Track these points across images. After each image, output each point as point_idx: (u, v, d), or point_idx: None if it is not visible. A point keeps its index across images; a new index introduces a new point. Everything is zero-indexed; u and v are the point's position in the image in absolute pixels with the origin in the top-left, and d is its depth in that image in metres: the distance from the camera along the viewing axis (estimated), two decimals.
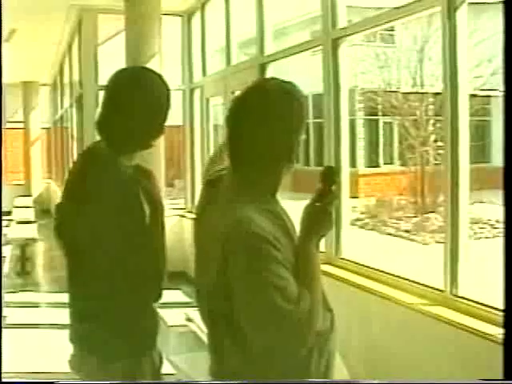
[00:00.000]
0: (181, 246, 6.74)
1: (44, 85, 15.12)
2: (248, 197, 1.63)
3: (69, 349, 2.12)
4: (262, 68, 5.53)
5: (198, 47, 7.66)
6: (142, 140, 2.10)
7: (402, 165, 15.91)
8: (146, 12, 6.40)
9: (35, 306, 6.28)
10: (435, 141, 13.16)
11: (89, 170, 2.04)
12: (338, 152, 4.29)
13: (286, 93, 1.68)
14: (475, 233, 10.61)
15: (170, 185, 12.79)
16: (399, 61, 15.58)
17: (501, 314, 2.56)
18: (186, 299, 6.30)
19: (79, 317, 2.08)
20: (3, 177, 10.52)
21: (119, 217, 1.93)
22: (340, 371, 1.77)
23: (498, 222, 11.08)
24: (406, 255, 9.39)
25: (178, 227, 7.34)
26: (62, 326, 2.17)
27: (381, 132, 18.04)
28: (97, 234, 1.93)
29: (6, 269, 8.08)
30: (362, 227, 12.32)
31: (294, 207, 1.91)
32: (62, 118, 12.70)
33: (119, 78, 2.11)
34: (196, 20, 7.69)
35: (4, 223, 9.29)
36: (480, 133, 16.72)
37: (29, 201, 13.31)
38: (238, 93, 1.78)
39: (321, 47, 4.43)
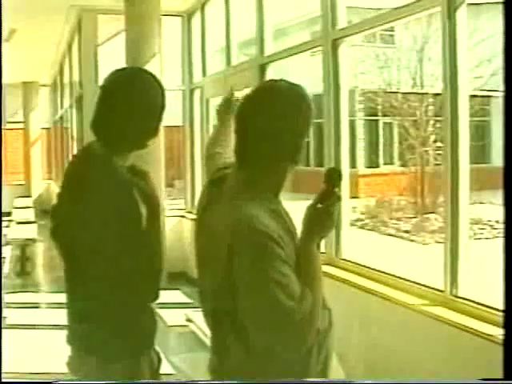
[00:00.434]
0: (181, 245, 6.75)
1: (44, 85, 15.12)
2: (252, 195, 1.64)
3: (68, 349, 2.12)
4: (262, 68, 5.53)
5: (198, 47, 7.65)
6: (137, 140, 2.10)
7: (402, 165, 15.92)
8: (146, 12, 6.41)
9: (35, 306, 6.28)
10: (435, 141, 13.17)
11: (83, 170, 2.05)
12: (337, 152, 4.29)
13: (295, 94, 1.71)
14: (475, 233, 10.62)
15: (169, 185, 12.79)
16: (399, 61, 15.60)
17: (501, 314, 2.56)
18: (186, 299, 6.30)
19: (76, 317, 2.08)
20: (3, 177, 10.52)
21: (113, 217, 1.93)
22: (336, 371, 1.78)
23: (497, 222, 11.08)
24: (406, 256, 9.39)
25: (178, 227, 7.35)
26: (62, 327, 2.16)
27: (381, 132, 18.06)
28: (92, 234, 1.93)
29: (5, 269, 8.08)
30: (362, 228, 12.33)
31: (293, 207, 1.91)
32: (61, 118, 12.70)
33: (115, 78, 2.12)
34: (196, 20, 7.69)
35: (4, 224, 9.29)
36: (480, 133, 16.74)
37: (29, 201, 13.31)
38: (246, 91, 1.79)
39: (321, 48, 4.42)
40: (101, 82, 2.21)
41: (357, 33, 4.34)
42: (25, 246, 8.34)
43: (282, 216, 1.68)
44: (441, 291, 3.28)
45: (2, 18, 3.35)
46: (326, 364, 1.70)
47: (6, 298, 5.95)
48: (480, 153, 16.27)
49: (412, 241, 11.18)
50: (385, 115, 16.68)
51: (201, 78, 7.57)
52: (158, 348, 2.18)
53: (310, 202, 1.71)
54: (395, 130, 17.16)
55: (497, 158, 15.86)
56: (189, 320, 5.51)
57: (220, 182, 1.77)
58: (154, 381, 2.13)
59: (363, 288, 3.76)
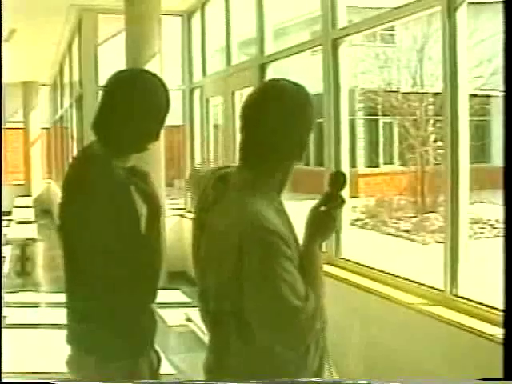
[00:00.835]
0: (181, 245, 6.75)
1: (44, 85, 15.12)
2: (258, 194, 1.65)
3: (68, 349, 2.12)
4: (262, 68, 5.54)
5: (198, 47, 7.66)
6: (138, 143, 2.08)
7: (402, 165, 15.91)
8: (146, 12, 6.41)
9: (35, 306, 6.28)
10: (435, 141, 13.16)
11: (82, 171, 2.04)
12: (337, 152, 4.29)
13: (299, 93, 1.72)
14: (475, 233, 10.61)
15: (169, 185, 12.78)
16: (399, 61, 15.59)
17: (501, 313, 2.56)
18: (186, 299, 6.30)
19: (76, 317, 2.08)
20: (3, 177, 10.52)
21: (113, 217, 1.93)
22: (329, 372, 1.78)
23: (497, 221, 11.08)
24: (406, 255, 9.39)
25: (178, 227, 7.35)
26: (62, 326, 2.16)
27: (381, 132, 18.06)
28: (92, 234, 1.93)
29: (5, 269, 8.08)
30: (362, 227, 12.33)
31: (293, 207, 1.91)
32: (61, 118, 12.70)
33: (118, 79, 2.10)
34: (196, 20, 7.69)
35: (4, 223, 9.29)
36: (480, 133, 16.73)
37: (29, 201, 13.31)
38: (249, 91, 1.79)
39: (321, 47, 4.43)
40: (101, 81, 2.20)
41: (357, 32, 4.35)
42: (25, 245, 8.33)
43: (286, 215, 1.70)
44: (441, 291, 3.28)
45: (2, 18, 3.35)
46: (322, 363, 1.71)
47: (6, 297, 5.94)
48: (480, 152, 16.27)
49: (412, 240, 11.18)
50: (385, 115, 16.68)
51: (201, 77, 7.58)
52: (157, 347, 2.18)
53: (313, 204, 1.73)
54: (395, 130, 17.16)
55: (497, 158, 15.87)
56: (189, 319, 5.51)
57: (222, 181, 1.76)
58: (153, 381, 2.13)
59: (363, 287, 3.76)
